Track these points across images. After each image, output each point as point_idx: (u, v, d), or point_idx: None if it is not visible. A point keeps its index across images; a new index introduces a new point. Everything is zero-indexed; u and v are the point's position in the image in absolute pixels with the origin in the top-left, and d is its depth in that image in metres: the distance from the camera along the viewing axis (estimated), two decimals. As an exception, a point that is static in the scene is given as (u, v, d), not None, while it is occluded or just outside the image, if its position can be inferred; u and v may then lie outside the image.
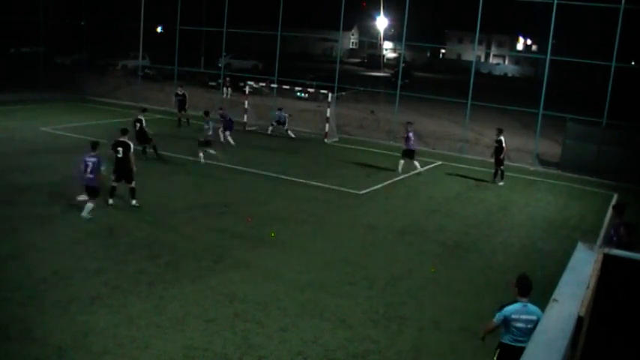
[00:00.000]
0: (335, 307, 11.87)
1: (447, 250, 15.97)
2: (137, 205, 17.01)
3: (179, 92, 32.20)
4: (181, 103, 31.87)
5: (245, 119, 32.29)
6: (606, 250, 4.99)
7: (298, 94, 40.73)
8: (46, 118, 30.36)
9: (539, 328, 3.69)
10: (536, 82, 30.67)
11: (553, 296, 4.11)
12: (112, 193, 17.09)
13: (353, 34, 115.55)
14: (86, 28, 43.59)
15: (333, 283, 13.08)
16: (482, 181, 24.00)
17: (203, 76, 49.31)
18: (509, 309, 8.41)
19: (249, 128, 32.00)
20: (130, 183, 17.01)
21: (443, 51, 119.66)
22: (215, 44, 49.67)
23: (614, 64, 26.67)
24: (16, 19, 45.11)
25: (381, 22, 76.39)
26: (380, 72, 71.89)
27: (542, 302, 4.34)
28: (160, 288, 12.03)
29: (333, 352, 10.18)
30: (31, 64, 42.69)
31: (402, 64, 42.02)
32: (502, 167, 23.59)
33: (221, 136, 26.93)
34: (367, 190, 21.28)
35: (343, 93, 41.51)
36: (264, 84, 35.76)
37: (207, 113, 23.78)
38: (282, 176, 22.21)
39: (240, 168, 22.93)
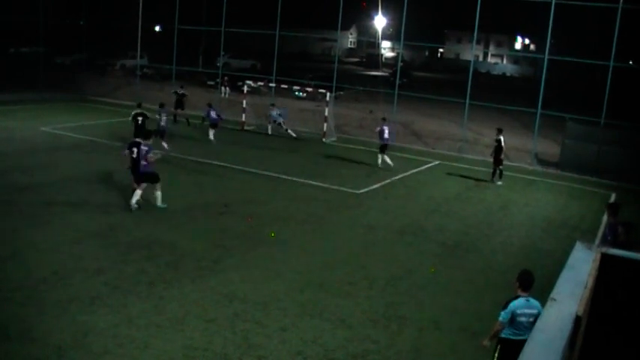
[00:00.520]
0: (335, 307, 11.89)
1: (446, 249, 15.99)
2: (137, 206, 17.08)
3: (179, 91, 32.34)
4: (179, 102, 32.04)
5: (243, 118, 32.33)
6: (604, 249, 5.01)
7: (296, 93, 40.76)
8: (46, 118, 30.38)
9: (537, 326, 3.71)
10: (535, 82, 30.62)
11: (551, 295, 4.13)
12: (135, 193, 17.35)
13: (352, 34, 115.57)
14: (86, 28, 43.62)
15: (333, 283, 13.10)
16: (482, 180, 24.03)
17: (202, 75, 49.38)
18: (514, 305, 8.48)
19: (248, 127, 32.03)
20: (148, 182, 17.19)
21: (441, 50, 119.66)
22: (214, 44, 49.71)
23: (612, 63, 26.68)
24: (16, 19, 45.15)
25: (380, 22, 76.39)
26: (378, 71, 71.93)
27: (541, 301, 4.37)
28: (160, 288, 12.05)
29: (333, 352, 10.20)
30: (30, 64, 42.68)
31: (400, 64, 42.12)
32: (501, 167, 23.62)
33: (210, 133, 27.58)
34: (366, 190, 21.30)
35: (342, 92, 41.52)
36: (262, 83, 35.77)
37: (162, 105, 25.61)
38: (282, 176, 22.22)
39: (239, 167, 22.96)
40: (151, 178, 16.90)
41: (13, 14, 44.77)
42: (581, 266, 4.68)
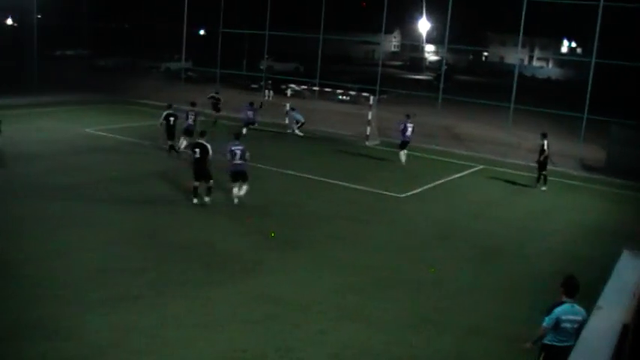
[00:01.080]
0: (374, 310, 11.85)
1: (488, 255, 15.80)
2: (209, 202, 17.69)
3: (214, 95, 32.76)
4: (215, 105, 32.46)
5: (287, 121, 32.47)
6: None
7: (339, 97, 40.80)
8: (89, 119, 30.88)
9: (583, 334, 3.64)
10: (581, 86, 30.08)
11: (597, 303, 4.05)
12: (195, 192, 17.77)
13: (395, 37, 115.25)
14: (130, 31, 44.39)
15: (373, 286, 13.06)
16: (525, 185, 23.70)
17: (245, 78, 49.80)
18: (559, 310, 8.36)
19: (290, 130, 32.17)
20: (208, 182, 17.66)
21: (485, 54, 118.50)
22: (257, 47, 50.11)
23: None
24: (63, 22, 46.24)
25: (424, 25, 76.01)
26: (421, 75, 71.59)
27: (586, 309, 4.29)
28: (201, 289, 12.14)
29: (372, 357, 10.15)
30: (75, 66, 43.57)
31: (444, 67, 41.78)
32: (545, 172, 23.26)
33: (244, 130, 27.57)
34: (408, 194, 21.17)
35: (385, 96, 41.39)
36: (305, 87, 35.89)
37: (193, 104, 25.31)
38: (323, 178, 22.21)
39: (280, 170, 23.02)
40: (244, 177, 17.88)
41: (60, 18, 45.89)
42: (628, 274, 4.58)
